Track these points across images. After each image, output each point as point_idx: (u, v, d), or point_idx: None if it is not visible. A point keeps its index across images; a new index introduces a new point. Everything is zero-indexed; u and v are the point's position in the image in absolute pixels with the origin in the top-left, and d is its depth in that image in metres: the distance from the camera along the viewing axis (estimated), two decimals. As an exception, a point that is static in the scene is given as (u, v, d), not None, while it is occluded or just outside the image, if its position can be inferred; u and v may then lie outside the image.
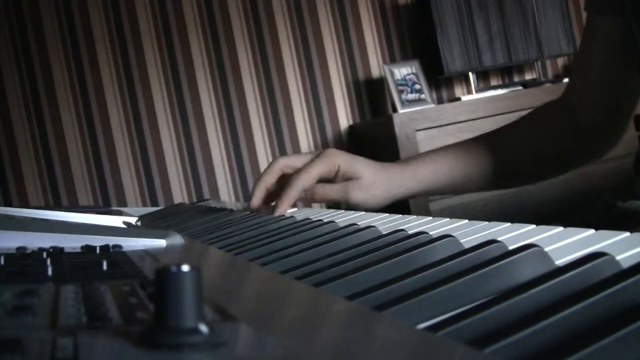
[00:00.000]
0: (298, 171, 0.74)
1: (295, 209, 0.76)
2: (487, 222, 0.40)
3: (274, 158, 0.78)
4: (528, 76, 2.61)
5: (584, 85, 0.84)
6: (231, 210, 0.80)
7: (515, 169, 0.87)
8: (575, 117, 0.85)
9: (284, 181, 0.75)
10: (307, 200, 0.75)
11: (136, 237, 0.47)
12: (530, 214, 2.06)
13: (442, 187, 0.85)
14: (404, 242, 0.37)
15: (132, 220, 0.75)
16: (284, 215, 0.60)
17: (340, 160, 0.77)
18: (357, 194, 0.77)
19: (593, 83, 0.82)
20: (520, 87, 2.35)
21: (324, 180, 0.77)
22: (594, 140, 0.86)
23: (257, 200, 0.75)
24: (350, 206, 0.77)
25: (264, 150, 2.38)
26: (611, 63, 0.79)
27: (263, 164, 2.33)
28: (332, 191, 0.76)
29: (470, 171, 0.84)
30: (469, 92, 2.49)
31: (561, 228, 0.34)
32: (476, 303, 0.24)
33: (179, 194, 2.31)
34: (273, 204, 0.74)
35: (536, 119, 0.89)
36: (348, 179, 0.77)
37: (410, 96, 2.33)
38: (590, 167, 2.12)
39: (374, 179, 0.78)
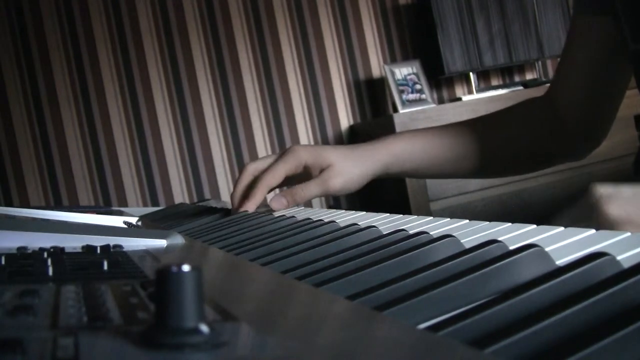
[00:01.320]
0: (263, 172, 0.76)
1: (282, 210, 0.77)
2: (488, 222, 0.40)
3: (245, 165, 0.79)
4: (529, 76, 2.61)
5: (569, 83, 0.84)
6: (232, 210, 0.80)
7: (492, 161, 0.87)
8: (558, 115, 0.85)
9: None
10: (290, 204, 0.75)
11: (137, 237, 0.47)
12: (530, 214, 2.06)
13: (419, 167, 0.84)
14: (405, 242, 0.37)
15: (133, 220, 0.75)
16: (284, 215, 0.60)
17: (306, 154, 0.77)
18: (335, 182, 0.77)
19: (579, 82, 0.82)
20: (521, 87, 2.35)
21: (293, 177, 0.78)
22: (576, 139, 0.86)
23: (236, 209, 0.76)
24: (333, 195, 0.77)
25: (264, 150, 2.38)
26: (598, 62, 0.79)
27: (263, 164, 2.33)
28: (311, 189, 0.76)
29: (447, 154, 0.84)
30: (470, 92, 2.48)
31: (562, 228, 0.34)
32: (477, 303, 0.24)
33: (180, 194, 2.31)
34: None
35: (519, 114, 0.89)
36: (321, 170, 0.77)
37: (411, 96, 2.33)
38: (591, 167, 2.13)
39: (346, 163, 0.78)
